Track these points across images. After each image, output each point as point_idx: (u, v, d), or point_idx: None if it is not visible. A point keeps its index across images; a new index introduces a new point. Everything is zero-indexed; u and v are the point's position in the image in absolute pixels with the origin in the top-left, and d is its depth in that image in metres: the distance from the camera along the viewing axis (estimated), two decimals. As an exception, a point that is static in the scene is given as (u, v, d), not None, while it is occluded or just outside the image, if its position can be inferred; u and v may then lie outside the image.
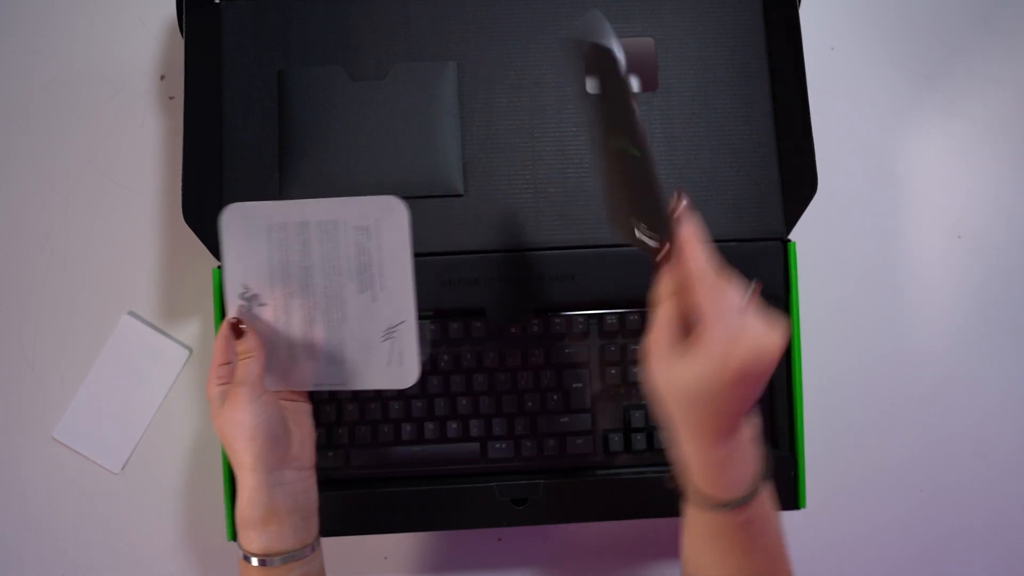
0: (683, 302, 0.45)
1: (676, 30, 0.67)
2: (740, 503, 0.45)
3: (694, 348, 0.43)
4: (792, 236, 0.66)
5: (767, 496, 0.47)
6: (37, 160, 0.72)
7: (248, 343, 0.55)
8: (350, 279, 0.56)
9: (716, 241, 0.65)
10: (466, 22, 0.67)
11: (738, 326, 0.42)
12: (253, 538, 0.52)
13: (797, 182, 0.65)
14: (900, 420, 0.73)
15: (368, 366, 0.57)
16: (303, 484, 0.55)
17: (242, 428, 0.52)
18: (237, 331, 0.55)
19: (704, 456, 0.45)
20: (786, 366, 0.66)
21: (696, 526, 0.48)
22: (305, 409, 0.58)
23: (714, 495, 0.46)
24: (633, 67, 0.74)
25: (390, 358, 0.57)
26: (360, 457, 0.64)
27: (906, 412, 0.73)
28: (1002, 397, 0.74)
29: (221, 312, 0.64)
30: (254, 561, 0.52)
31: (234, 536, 0.64)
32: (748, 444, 0.46)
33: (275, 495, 0.52)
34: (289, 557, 0.52)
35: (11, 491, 0.71)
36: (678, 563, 0.72)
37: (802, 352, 0.67)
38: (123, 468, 0.71)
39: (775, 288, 0.65)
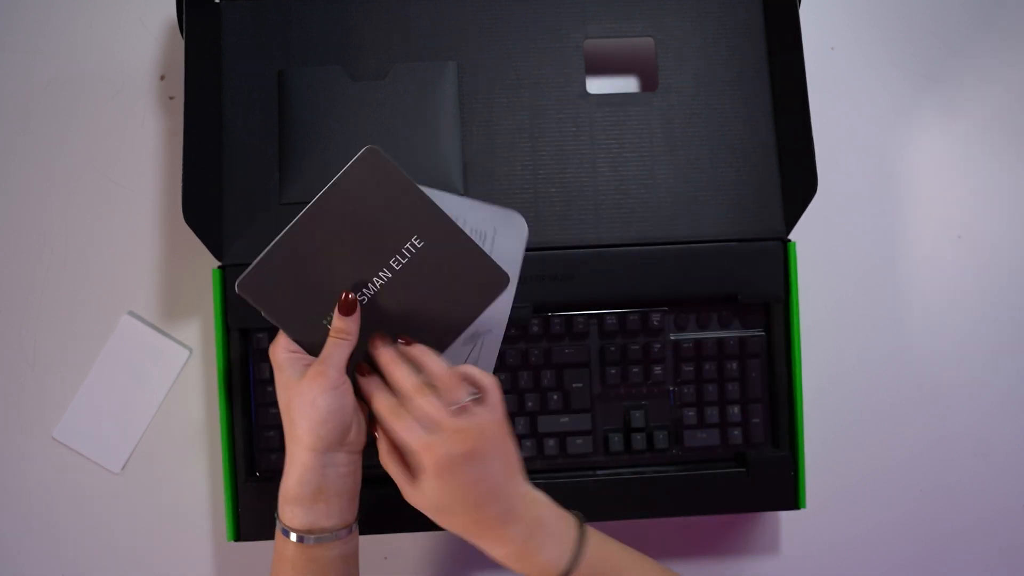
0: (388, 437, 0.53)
1: (676, 30, 0.67)
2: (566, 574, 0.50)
3: (416, 475, 0.51)
4: (792, 236, 0.66)
5: (597, 555, 0.52)
6: (37, 160, 0.72)
7: (351, 325, 0.53)
8: None
9: (716, 241, 0.65)
10: (466, 22, 0.67)
11: (426, 444, 0.49)
12: (299, 514, 0.52)
13: (797, 182, 0.65)
14: (900, 420, 0.73)
15: None
16: (352, 467, 0.54)
17: (315, 410, 0.51)
18: (349, 308, 0.53)
19: (500, 551, 0.51)
20: (786, 366, 0.66)
21: None
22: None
23: None
24: (633, 67, 0.74)
25: (467, 361, 0.58)
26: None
27: (906, 412, 0.73)
28: (1002, 397, 0.74)
29: (222, 312, 0.64)
30: (293, 537, 0.52)
31: (236, 536, 0.64)
32: (542, 527, 0.51)
33: (327, 475, 0.52)
34: (332, 536, 0.52)
35: (11, 491, 0.71)
36: (678, 563, 0.72)
37: (802, 352, 0.67)
38: (123, 468, 0.71)
39: (775, 288, 0.65)
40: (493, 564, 0.71)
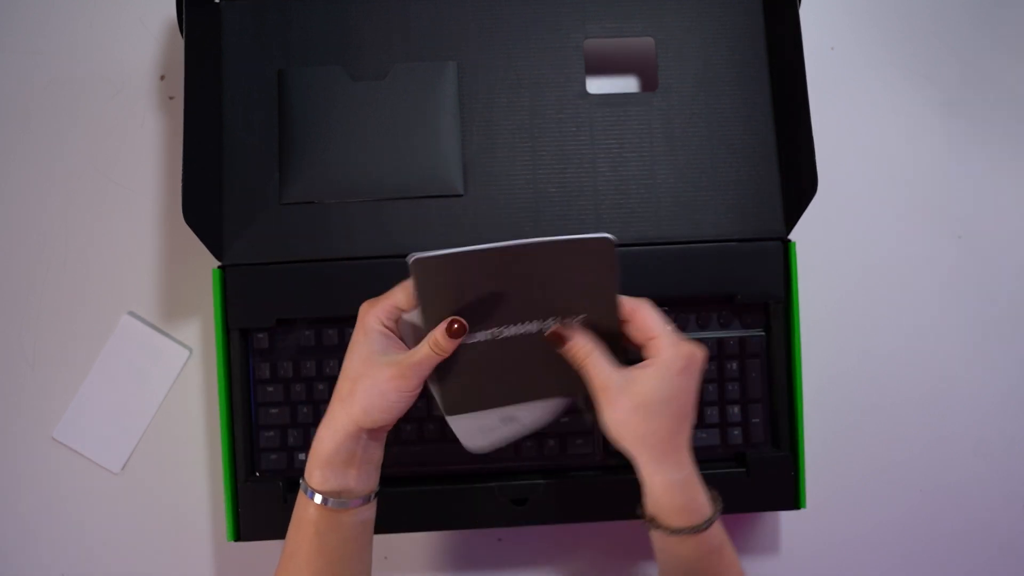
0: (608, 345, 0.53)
1: (676, 30, 0.67)
2: (704, 527, 0.52)
3: (647, 365, 0.51)
4: (792, 236, 0.66)
5: (722, 528, 0.54)
6: (37, 160, 0.72)
7: (450, 346, 0.52)
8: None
9: (716, 241, 0.65)
10: (466, 22, 0.67)
11: (676, 339, 0.52)
12: (330, 478, 0.53)
13: (797, 182, 0.65)
14: (900, 420, 0.73)
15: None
16: (383, 439, 0.56)
17: (382, 400, 0.51)
18: (458, 332, 0.52)
19: (666, 478, 0.52)
20: (786, 366, 0.66)
21: (671, 561, 0.53)
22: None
23: (681, 522, 0.52)
24: (633, 67, 0.74)
25: (495, 440, 0.59)
26: (360, 457, 0.65)
27: (906, 412, 0.73)
28: (1002, 397, 0.74)
29: (222, 312, 0.64)
30: (318, 499, 0.53)
31: (236, 536, 0.64)
32: (697, 475, 0.53)
33: (359, 445, 0.53)
34: (358, 501, 0.54)
35: (11, 491, 0.71)
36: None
37: (802, 352, 0.67)
38: (123, 468, 0.71)
39: (775, 288, 0.65)
40: (493, 564, 0.72)
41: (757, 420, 0.66)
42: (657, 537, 0.53)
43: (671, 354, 0.51)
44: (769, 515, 0.73)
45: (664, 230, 0.66)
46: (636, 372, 0.51)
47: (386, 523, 0.64)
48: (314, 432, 0.55)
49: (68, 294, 0.71)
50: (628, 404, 0.51)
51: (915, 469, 0.73)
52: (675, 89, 0.67)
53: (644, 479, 0.53)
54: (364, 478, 0.54)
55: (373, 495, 0.55)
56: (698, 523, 0.52)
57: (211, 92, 0.65)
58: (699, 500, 0.52)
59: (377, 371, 0.52)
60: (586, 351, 0.52)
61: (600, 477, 0.65)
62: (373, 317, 0.53)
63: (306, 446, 0.65)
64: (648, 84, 0.73)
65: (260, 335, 0.65)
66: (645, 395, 0.51)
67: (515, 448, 0.65)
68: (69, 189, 0.72)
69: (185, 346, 0.71)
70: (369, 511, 0.55)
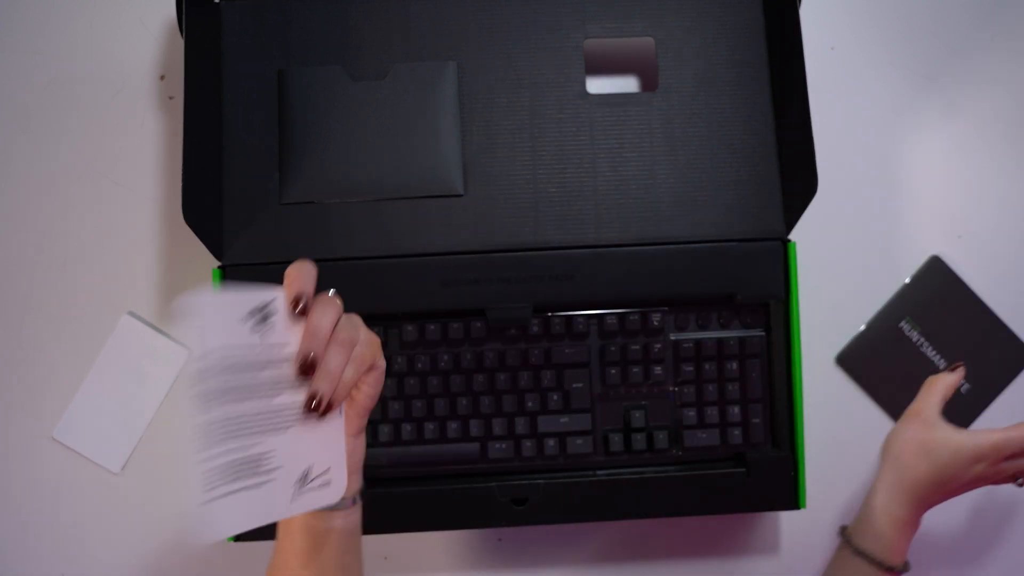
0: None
1: (676, 30, 0.67)
2: (902, 569, 0.60)
3: (968, 433, 0.61)
4: (792, 236, 0.66)
5: None
6: (37, 160, 0.72)
7: (378, 372, 0.50)
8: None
9: (716, 241, 0.65)
10: (466, 22, 0.67)
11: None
12: None
13: (797, 182, 0.65)
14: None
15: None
16: (360, 439, 0.52)
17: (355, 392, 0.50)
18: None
19: (908, 516, 0.61)
20: (786, 366, 0.66)
21: None
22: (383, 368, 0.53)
23: (890, 557, 0.60)
24: (633, 67, 0.74)
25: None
26: (360, 457, 0.65)
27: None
28: (1002, 397, 0.74)
29: (221, 312, 0.64)
30: None
31: (236, 536, 0.64)
32: (911, 535, 0.61)
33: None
34: (338, 505, 0.51)
35: (11, 491, 0.71)
36: (677, 563, 0.72)
37: (802, 352, 0.67)
38: (123, 468, 0.71)
39: (775, 288, 0.65)
40: (493, 564, 0.72)
41: (757, 420, 0.66)
42: (846, 555, 0.61)
43: (994, 450, 0.60)
44: (769, 515, 0.73)
45: (664, 230, 0.66)
46: (955, 429, 0.61)
47: (386, 523, 0.64)
48: None
49: (68, 294, 0.71)
50: (927, 440, 0.61)
51: (915, 469, 0.73)
52: (675, 89, 0.67)
53: (879, 500, 0.61)
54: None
55: (358, 495, 0.53)
56: (898, 564, 0.60)
57: (211, 92, 0.65)
58: (906, 545, 0.60)
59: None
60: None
61: (600, 477, 0.65)
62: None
63: (306, 446, 0.64)
64: (648, 84, 0.73)
65: (260, 335, 0.65)
66: (943, 447, 0.60)
67: (515, 448, 0.65)
68: (69, 189, 0.72)
69: (185, 346, 0.71)
70: (355, 514, 0.53)
